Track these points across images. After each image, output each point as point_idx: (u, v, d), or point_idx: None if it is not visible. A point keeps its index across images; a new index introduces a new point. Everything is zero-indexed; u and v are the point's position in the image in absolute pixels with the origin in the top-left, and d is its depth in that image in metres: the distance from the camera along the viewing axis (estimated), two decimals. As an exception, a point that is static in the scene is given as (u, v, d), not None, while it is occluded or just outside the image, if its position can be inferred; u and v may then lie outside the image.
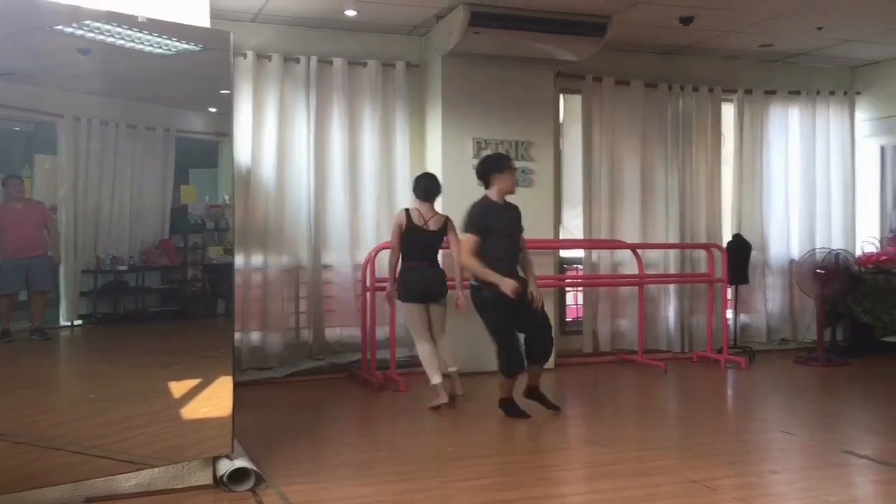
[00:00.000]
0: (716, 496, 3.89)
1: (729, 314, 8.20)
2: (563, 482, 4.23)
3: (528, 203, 7.25)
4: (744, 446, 4.87)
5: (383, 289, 6.68)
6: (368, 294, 6.79)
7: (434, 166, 7.27)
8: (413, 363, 7.19)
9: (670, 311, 8.16)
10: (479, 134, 7.23)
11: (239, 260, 6.75)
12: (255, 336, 6.92)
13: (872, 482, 4.29)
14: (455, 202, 7.07)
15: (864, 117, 8.75)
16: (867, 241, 8.58)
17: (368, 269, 6.78)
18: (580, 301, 8.16)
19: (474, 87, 7.20)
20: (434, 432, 5.30)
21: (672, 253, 8.19)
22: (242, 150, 6.79)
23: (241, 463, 3.96)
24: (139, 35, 3.83)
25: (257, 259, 6.90)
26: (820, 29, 7.23)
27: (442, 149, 7.15)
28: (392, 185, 7.31)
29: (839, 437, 5.11)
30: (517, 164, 7.25)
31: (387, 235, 7.21)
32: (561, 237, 8.05)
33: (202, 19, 4.09)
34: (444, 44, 6.87)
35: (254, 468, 3.98)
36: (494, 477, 4.24)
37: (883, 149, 8.65)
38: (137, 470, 3.80)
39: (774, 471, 4.38)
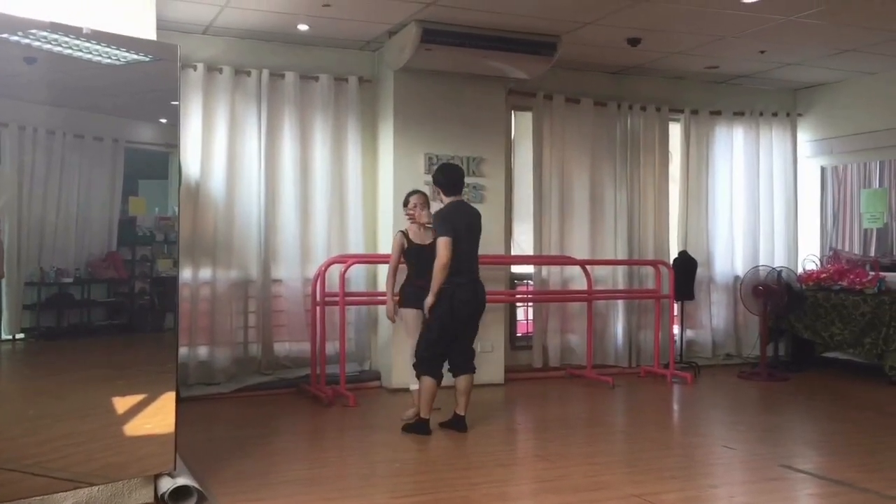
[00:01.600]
0: (655, 511, 3.96)
1: (675, 330, 8.35)
2: (508, 497, 4.26)
3: (482, 219, 7.34)
4: (686, 461, 4.96)
5: (334, 303, 6.68)
6: (318, 308, 6.76)
7: (385, 181, 7.30)
8: (363, 378, 7.21)
9: (618, 327, 8.29)
10: (430, 149, 7.28)
11: (187, 273, 6.70)
12: (203, 351, 6.84)
13: (809, 496, 4.40)
14: (406, 217, 7.14)
15: (805, 138, 9.00)
16: (808, 258, 8.81)
17: (319, 283, 6.76)
18: (530, 316, 8.23)
19: (426, 102, 7.25)
20: (382, 447, 5.29)
21: (620, 269, 8.32)
22: (192, 163, 6.75)
23: (183, 480, 3.91)
24: (86, 45, 3.79)
25: (206, 272, 6.83)
26: (762, 52, 7.44)
27: (394, 164, 7.18)
28: (343, 199, 7.31)
29: (778, 451, 5.23)
30: (469, 179, 7.38)
31: (338, 249, 7.23)
32: (512, 253, 8.13)
33: (149, 31, 4.06)
34: (396, 60, 6.91)
35: (196, 486, 3.94)
36: (440, 492, 4.25)
37: (823, 169, 8.91)
38: (76, 488, 3.73)
39: (714, 485, 4.47)
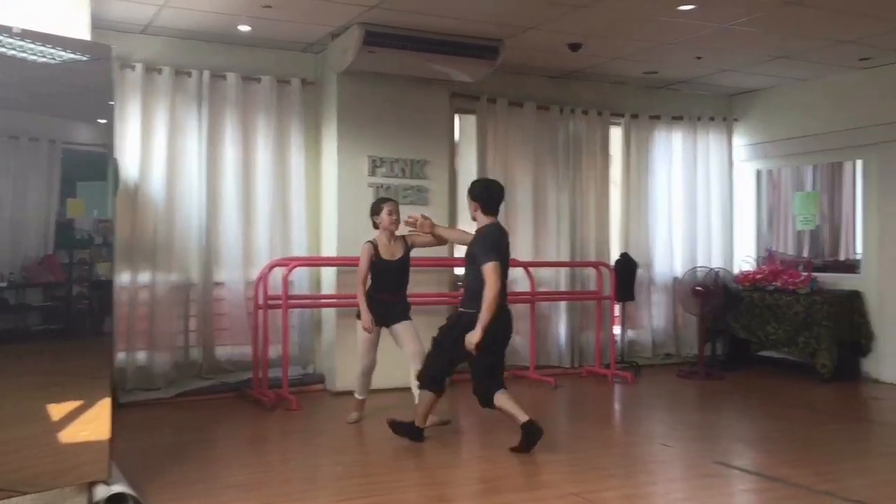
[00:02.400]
0: (595, 508, 4.03)
1: (616, 330, 8.49)
2: (449, 498, 4.29)
3: (424, 221, 7.37)
4: (625, 458, 5.05)
5: (277, 306, 6.63)
6: (261, 312, 6.71)
7: (329, 184, 7.28)
8: (306, 381, 7.17)
9: (561, 328, 8.39)
10: (374, 152, 7.28)
11: (125, 277, 6.59)
12: (142, 355, 6.73)
13: (742, 491, 4.53)
14: (350, 220, 7.14)
15: (741, 143, 9.24)
16: (744, 260, 9.05)
17: (261, 286, 6.71)
18: (474, 318, 8.27)
19: (370, 105, 7.25)
20: (325, 451, 5.28)
21: (563, 271, 8.42)
22: (131, 164, 6.64)
23: (118, 488, 3.85)
24: (19, 43, 3.71)
25: (145, 276, 6.73)
26: (699, 58, 7.62)
27: (337, 166, 7.16)
28: (286, 201, 7.26)
29: (714, 448, 5.37)
30: (412, 182, 7.41)
31: (281, 252, 7.17)
32: (455, 255, 8.16)
33: (83, 30, 4.00)
34: (339, 62, 6.90)
35: (132, 493, 3.88)
36: (382, 495, 4.26)
37: (759, 172, 9.15)
38: (7, 497, 3.64)
39: (652, 482, 4.57)
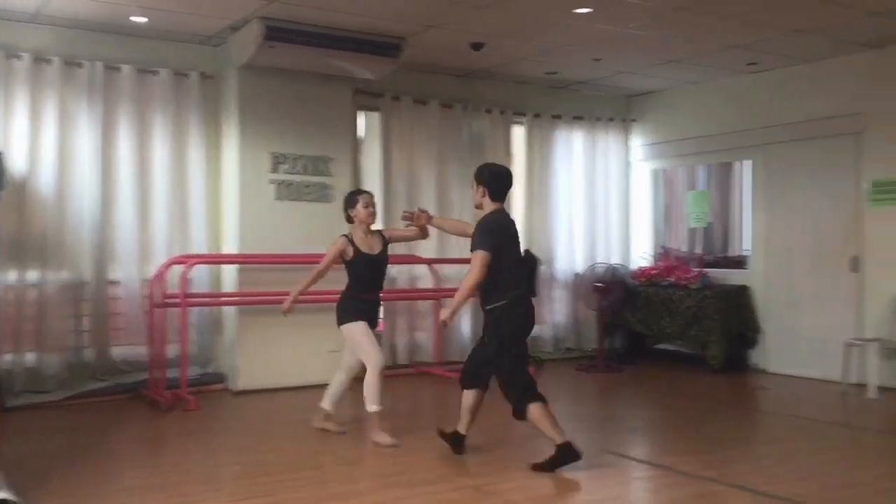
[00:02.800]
0: (491, 500, 4.10)
1: (519, 325, 8.63)
2: (347, 495, 4.27)
3: (327, 218, 7.35)
4: (522, 450, 5.13)
5: (175, 305, 6.49)
6: (158, 310, 6.55)
7: (230, 180, 7.16)
8: (206, 380, 7.04)
9: (465, 324, 8.48)
10: (277, 148, 7.21)
11: (12, 276, 6.33)
12: (31, 357, 6.47)
13: (632, 479, 4.69)
14: (252, 217, 7.05)
15: (638, 143, 9.54)
16: (641, 256, 9.35)
17: (158, 284, 6.55)
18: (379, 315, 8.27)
19: (272, 100, 7.17)
20: (225, 451, 5.21)
21: (468, 268, 8.48)
22: (18, 159, 6.37)
23: (1, 495, 3.70)
24: None
25: (33, 274, 6.46)
26: (597, 60, 7.83)
27: (239, 162, 7.05)
28: (185, 197, 7.11)
29: (607, 438, 5.55)
30: (315, 179, 7.36)
31: (179, 249, 7.01)
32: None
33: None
34: (239, 56, 6.79)
35: (14, 499, 3.73)
36: (281, 493, 4.23)
37: (655, 172, 9.47)
38: None
39: (546, 473, 4.66)
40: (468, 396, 4.96)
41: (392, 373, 7.87)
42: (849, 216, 7.51)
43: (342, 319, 5.34)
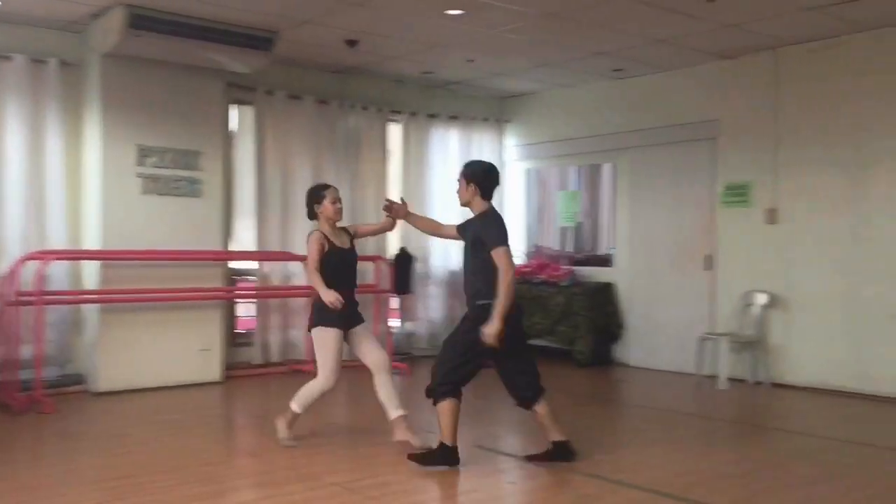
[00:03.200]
0: (352, 497, 4.12)
1: (394, 323, 8.69)
2: (205, 497, 4.18)
3: (196, 213, 7.20)
4: (389, 448, 5.17)
5: (30, 303, 6.19)
6: (11, 309, 6.22)
7: (92, 173, 6.89)
8: (64, 382, 6.73)
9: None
10: (143, 141, 6.98)
11: None
12: None
13: (497, 472, 4.81)
14: (116, 211, 6.80)
15: (512, 143, 9.76)
16: (515, 254, 9.55)
17: (12, 281, 6.22)
18: (252, 312, 8.15)
19: (138, 91, 6.93)
20: (82, 454, 5.01)
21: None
22: None
23: None
24: None
25: None
26: (471, 62, 7.97)
27: (102, 155, 6.79)
28: (42, 190, 6.77)
29: (475, 432, 5.63)
30: (184, 173, 7.17)
31: (36, 245, 6.68)
32: (233, 248, 8.01)
33: None
34: (101, 44, 6.53)
35: None
36: (140, 496, 4.11)
37: (528, 172, 9.72)
38: None
39: (412, 469, 4.72)
40: (542, 408, 4.82)
41: (266, 371, 7.83)
42: (705, 217, 7.94)
43: (316, 321, 4.98)
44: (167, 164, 7.09)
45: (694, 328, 7.77)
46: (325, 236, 5.01)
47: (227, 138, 7.79)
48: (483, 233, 4.61)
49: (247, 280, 8.23)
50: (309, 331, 5.07)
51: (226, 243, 7.77)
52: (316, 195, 5.12)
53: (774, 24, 6.63)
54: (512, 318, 4.54)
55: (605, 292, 8.59)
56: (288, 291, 8.10)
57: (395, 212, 5.19)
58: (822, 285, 7.11)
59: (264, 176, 8.01)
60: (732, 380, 7.35)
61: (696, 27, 6.70)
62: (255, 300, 8.08)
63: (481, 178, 4.73)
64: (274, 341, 8.04)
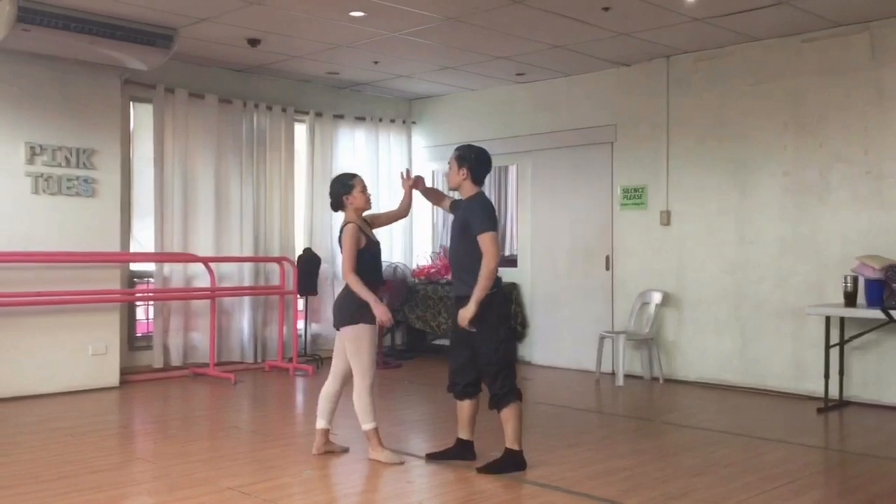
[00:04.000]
0: (247, 500, 4.09)
1: (300, 324, 8.64)
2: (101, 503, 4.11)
3: (91, 214, 7.01)
4: (288, 450, 5.17)
5: None
6: None
7: (-22, 171, 6.61)
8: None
9: (244, 323, 8.36)
10: (33, 138, 6.76)
11: None
12: None
13: (395, 471, 4.84)
14: (5, 211, 6.56)
15: (420, 144, 9.83)
16: (421, 255, 9.64)
17: None
18: (151, 315, 7.97)
19: (28, 87, 6.72)
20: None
21: (246, 266, 8.39)
22: None
23: None
24: None
25: None
26: (376, 63, 7.99)
27: (-12, 152, 6.53)
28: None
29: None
30: (78, 172, 6.96)
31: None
32: (131, 249, 7.81)
33: None
34: (-12, 38, 6.27)
35: None
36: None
37: (434, 173, 9.79)
38: None
39: (310, 471, 4.73)
40: (467, 407, 4.75)
41: (166, 375, 7.67)
42: (605, 219, 8.17)
43: (355, 318, 4.71)
44: (60, 162, 6.87)
45: (595, 327, 7.99)
46: (360, 228, 4.77)
47: (125, 136, 7.59)
48: (470, 216, 4.56)
49: (146, 282, 8.04)
50: (337, 328, 4.86)
51: (124, 244, 7.57)
52: (344, 184, 4.86)
53: (666, 34, 6.89)
54: (497, 309, 4.54)
55: (509, 292, 8.73)
56: (188, 293, 7.95)
57: (416, 182, 5.04)
58: (712, 284, 7.42)
59: (164, 175, 7.85)
60: (630, 376, 7.60)
61: (592, 34, 6.89)
62: (154, 302, 7.89)
63: (473, 162, 4.67)
64: (174, 344, 7.88)
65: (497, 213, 4.81)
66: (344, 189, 4.85)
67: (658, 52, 7.47)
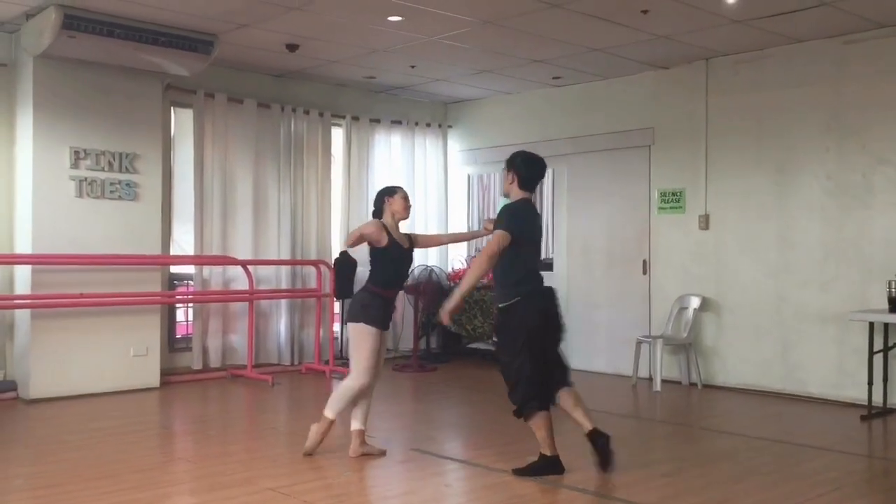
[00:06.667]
0: (287, 501, 4.13)
1: (336, 327, 8.69)
2: (142, 503, 4.18)
3: (133, 217, 7.12)
4: (327, 452, 5.18)
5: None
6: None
7: (24, 175, 6.77)
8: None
9: (281, 326, 8.43)
10: (77, 143, 6.87)
11: None
12: None
13: (431, 475, 4.84)
14: (48, 215, 6.68)
15: (455, 148, 9.84)
16: (457, 258, 9.65)
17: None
18: (191, 317, 8.07)
19: (73, 93, 6.82)
20: (8, 463, 4.91)
21: (283, 269, 8.47)
22: None
23: None
24: None
25: None
26: (413, 67, 8.02)
27: (34, 157, 6.66)
28: (-28, 193, 6.63)
29: (413, 436, 5.70)
30: (120, 176, 7.07)
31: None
32: (171, 252, 7.92)
33: None
34: (35, 45, 6.41)
35: None
36: (66, 505, 4.08)
37: (469, 177, 9.81)
38: None
39: (349, 471, 4.75)
40: (544, 418, 4.56)
41: (205, 376, 7.76)
42: (642, 223, 8.11)
43: (358, 316, 4.81)
44: (103, 166, 6.98)
45: (632, 331, 7.93)
46: (385, 228, 4.85)
47: (167, 141, 7.71)
48: (498, 219, 4.52)
49: (187, 285, 8.15)
50: (345, 323, 4.90)
51: (166, 247, 7.69)
52: (388, 190, 5.02)
53: (705, 36, 6.83)
54: (519, 316, 4.42)
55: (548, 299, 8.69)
56: (227, 296, 8.04)
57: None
58: (752, 289, 7.33)
59: (204, 180, 7.95)
60: (667, 382, 7.53)
61: (631, 37, 6.85)
62: (193, 304, 7.99)
63: (521, 166, 4.61)
64: (213, 346, 7.97)
65: (535, 220, 4.70)
66: (388, 191, 5.00)
67: (697, 54, 7.41)
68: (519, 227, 4.44)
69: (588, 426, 4.57)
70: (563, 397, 4.62)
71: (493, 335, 4.51)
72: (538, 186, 4.81)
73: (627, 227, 8.23)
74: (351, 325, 4.89)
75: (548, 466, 4.57)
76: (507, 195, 4.71)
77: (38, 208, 6.65)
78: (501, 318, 4.52)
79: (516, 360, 4.48)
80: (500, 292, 4.55)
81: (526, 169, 4.62)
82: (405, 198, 4.96)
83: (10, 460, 5.01)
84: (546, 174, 4.83)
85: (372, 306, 4.81)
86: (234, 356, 8.12)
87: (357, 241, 4.86)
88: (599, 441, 4.55)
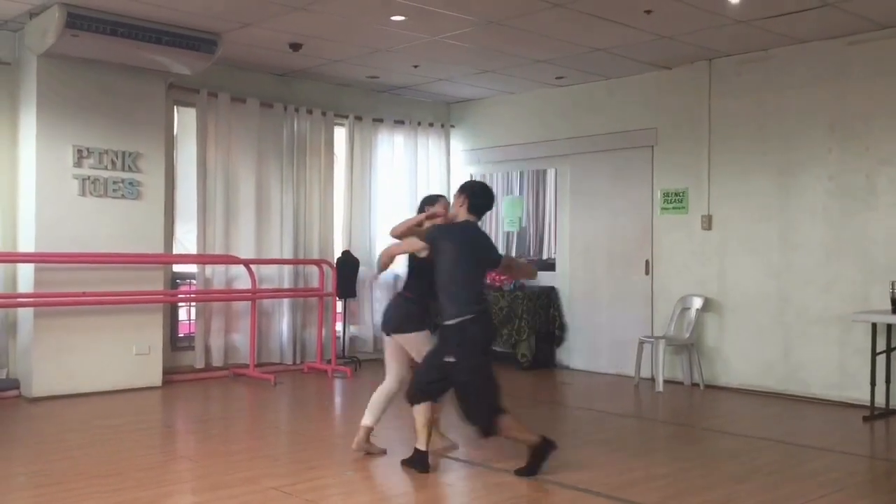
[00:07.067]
0: (289, 500, 4.13)
1: (338, 326, 8.69)
2: (143, 501, 4.16)
3: (136, 216, 7.13)
4: (329, 451, 5.22)
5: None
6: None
7: (27, 174, 6.78)
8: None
9: (283, 325, 8.43)
10: (80, 142, 6.88)
11: None
12: None
13: (436, 475, 4.85)
14: (51, 213, 6.69)
15: (458, 148, 9.84)
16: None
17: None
18: (193, 316, 8.08)
19: (76, 91, 6.83)
20: (10, 461, 4.92)
21: (286, 268, 8.47)
22: None
23: None
24: None
25: None
26: (416, 67, 8.02)
27: (37, 155, 6.67)
28: (-24, 191, 6.64)
29: (412, 435, 5.64)
30: (123, 175, 7.08)
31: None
32: (174, 251, 7.93)
33: None
34: (38, 43, 6.42)
35: None
36: (66, 502, 4.07)
37: (472, 176, 9.78)
38: None
39: (352, 471, 4.76)
40: (423, 411, 4.74)
41: (207, 375, 7.77)
42: (645, 223, 8.11)
43: (411, 327, 4.95)
44: (106, 165, 6.99)
45: (634, 332, 7.93)
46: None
47: (170, 140, 7.72)
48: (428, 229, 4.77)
49: (189, 284, 8.16)
50: (390, 333, 5.11)
51: (169, 246, 7.69)
52: (431, 198, 5.17)
53: (708, 37, 6.82)
54: (467, 335, 4.53)
55: (547, 296, 8.72)
56: (230, 295, 8.05)
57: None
58: (754, 289, 7.32)
59: (207, 179, 7.96)
60: (669, 382, 7.53)
61: (634, 37, 6.85)
62: (196, 303, 8.00)
63: (470, 192, 4.79)
64: (216, 345, 7.97)
65: (477, 239, 4.79)
66: (428, 200, 5.14)
67: (700, 54, 7.40)
68: (443, 240, 4.61)
69: (533, 439, 4.69)
70: (435, 407, 4.87)
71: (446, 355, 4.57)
72: (487, 214, 4.99)
73: (630, 228, 8.23)
74: (412, 336, 4.96)
75: (544, 450, 4.64)
76: (453, 218, 4.81)
77: (41, 207, 6.66)
78: (449, 334, 4.57)
79: (474, 378, 4.58)
80: (446, 310, 4.60)
81: (478, 197, 4.79)
82: (446, 206, 5.02)
83: (13, 458, 5.03)
84: (493, 207, 5.08)
85: (420, 315, 5.00)
86: (236, 355, 8.13)
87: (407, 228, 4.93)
88: (545, 446, 4.67)
